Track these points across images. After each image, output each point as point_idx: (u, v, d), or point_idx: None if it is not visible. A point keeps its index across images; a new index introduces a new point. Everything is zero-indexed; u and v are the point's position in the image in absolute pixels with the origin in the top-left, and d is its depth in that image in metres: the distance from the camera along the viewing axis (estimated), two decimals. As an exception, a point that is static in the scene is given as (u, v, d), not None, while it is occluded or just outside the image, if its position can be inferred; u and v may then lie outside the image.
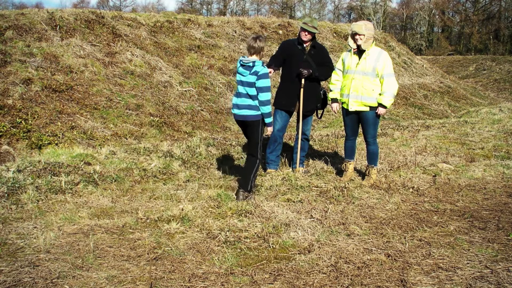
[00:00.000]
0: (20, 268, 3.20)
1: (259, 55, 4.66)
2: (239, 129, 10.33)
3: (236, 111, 4.82)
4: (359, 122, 5.52)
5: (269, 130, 4.88)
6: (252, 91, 4.63)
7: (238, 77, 4.75)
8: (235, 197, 4.79)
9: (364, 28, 5.17)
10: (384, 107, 5.26)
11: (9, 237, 3.76)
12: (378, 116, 5.37)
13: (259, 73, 4.56)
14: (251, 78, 4.60)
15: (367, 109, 5.32)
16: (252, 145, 4.84)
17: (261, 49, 4.63)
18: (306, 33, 5.60)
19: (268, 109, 4.65)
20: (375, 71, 5.23)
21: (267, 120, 4.71)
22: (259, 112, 4.69)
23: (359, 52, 5.30)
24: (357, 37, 5.21)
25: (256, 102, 4.66)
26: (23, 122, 7.71)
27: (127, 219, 4.24)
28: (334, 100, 5.63)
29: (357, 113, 5.42)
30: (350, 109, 5.40)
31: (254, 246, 3.70)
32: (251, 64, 4.60)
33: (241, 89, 4.73)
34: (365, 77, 5.25)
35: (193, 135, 9.12)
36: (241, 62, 4.70)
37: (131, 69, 10.85)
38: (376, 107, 5.30)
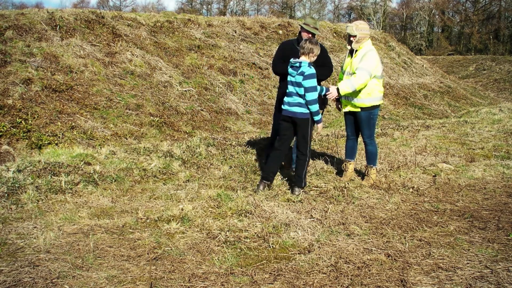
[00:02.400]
0: (20, 268, 3.20)
1: (307, 56, 4.94)
2: (239, 129, 10.32)
3: (286, 107, 5.09)
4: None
5: (319, 128, 5.06)
6: (301, 91, 4.91)
7: (289, 77, 5.06)
8: (291, 192, 5.06)
9: (355, 28, 5.16)
10: (337, 89, 5.15)
11: (9, 237, 3.76)
12: (326, 94, 5.22)
13: (305, 74, 4.84)
14: (299, 78, 4.89)
15: (358, 110, 5.32)
16: (301, 143, 5.08)
17: (310, 50, 4.90)
18: (309, 35, 5.58)
19: (315, 107, 4.91)
20: None
21: (316, 118, 4.98)
22: (308, 110, 4.96)
23: (351, 53, 5.33)
24: (351, 38, 5.23)
25: (304, 101, 4.93)
26: (23, 122, 7.72)
27: (127, 219, 4.24)
28: (337, 100, 5.66)
29: (353, 114, 5.45)
30: (344, 110, 5.45)
31: (254, 246, 3.70)
32: (298, 64, 4.90)
33: (291, 88, 5.03)
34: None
35: (193, 135, 9.12)
36: (290, 63, 5.01)
37: (131, 69, 10.86)
38: (367, 108, 5.28)
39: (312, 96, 4.84)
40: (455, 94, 19.91)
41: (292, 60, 4.99)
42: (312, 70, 4.85)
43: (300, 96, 4.93)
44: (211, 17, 21.95)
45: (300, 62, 4.88)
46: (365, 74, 5.08)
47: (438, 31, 59.13)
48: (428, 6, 55.44)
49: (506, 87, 26.77)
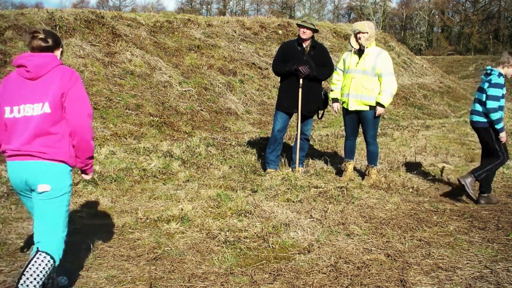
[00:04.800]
0: (20, 268, 3.20)
1: (501, 65, 4.87)
2: (239, 129, 10.31)
3: (470, 117, 5.09)
4: (359, 122, 5.53)
5: (501, 136, 4.89)
6: (483, 97, 4.87)
7: (480, 83, 5.06)
8: (481, 202, 4.90)
9: (367, 26, 5.26)
10: (383, 106, 5.26)
11: (9, 237, 3.76)
12: (377, 116, 5.36)
13: (491, 81, 4.81)
14: (485, 85, 4.88)
15: (367, 108, 5.33)
16: (489, 151, 4.96)
17: (507, 60, 4.84)
18: (304, 29, 5.55)
19: (495, 116, 4.80)
20: (374, 70, 5.25)
21: (497, 127, 4.84)
22: (485, 119, 4.88)
23: (359, 51, 5.32)
24: (360, 35, 5.23)
25: (483, 109, 4.88)
26: (23, 122, 7.70)
27: (127, 219, 4.24)
28: (335, 100, 5.64)
29: (357, 113, 5.43)
30: (350, 109, 5.41)
31: (254, 246, 3.70)
32: (489, 71, 4.90)
33: (477, 94, 5.03)
34: (365, 76, 5.26)
35: (193, 135, 9.12)
36: (484, 69, 5.03)
37: (131, 69, 10.85)
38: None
39: (492, 104, 4.76)
40: (455, 94, 19.91)
41: (487, 66, 5.00)
42: (500, 80, 4.80)
43: (480, 102, 4.92)
44: (210, 17, 21.96)
45: (491, 70, 4.88)
46: (394, 78, 5.33)
47: (438, 31, 59.10)
48: (428, 6, 55.43)
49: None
